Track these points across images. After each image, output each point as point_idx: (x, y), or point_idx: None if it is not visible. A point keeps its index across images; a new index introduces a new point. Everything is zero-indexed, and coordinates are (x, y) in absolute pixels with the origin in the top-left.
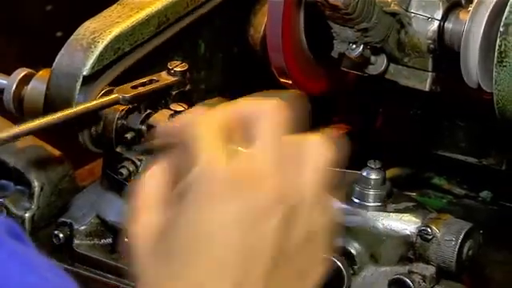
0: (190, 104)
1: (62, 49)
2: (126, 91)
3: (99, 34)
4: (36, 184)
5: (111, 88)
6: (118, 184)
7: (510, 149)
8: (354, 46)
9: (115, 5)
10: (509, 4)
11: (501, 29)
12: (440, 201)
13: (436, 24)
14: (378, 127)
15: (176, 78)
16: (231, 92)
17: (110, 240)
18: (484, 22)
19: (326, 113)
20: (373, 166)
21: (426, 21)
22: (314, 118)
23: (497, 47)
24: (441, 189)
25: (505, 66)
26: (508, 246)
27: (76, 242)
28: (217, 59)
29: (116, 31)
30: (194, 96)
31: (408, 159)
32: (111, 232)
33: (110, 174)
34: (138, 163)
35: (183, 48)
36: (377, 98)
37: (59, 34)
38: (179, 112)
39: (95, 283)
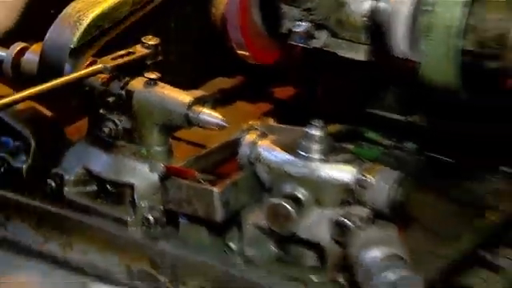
0: (162, 72)
1: (52, 26)
2: (108, 62)
3: (83, 13)
4: (32, 140)
5: (95, 59)
6: (102, 140)
7: (431, 108)
8: (300, 23)
9: None
10: None
11: (423, 7)
12: (373, 152)
13: (369, 4)
14: (322, 92)
15: (149, 51)
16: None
17: (94, 187)
18: (409, 2)
19: (277, 82)
20: (316, 124)
21: (360, 1)
22: (266, 88)
23: (421, 24)
24: (374, 141)
25: (429, 40)
26: (432, 190)
27: (66, 189)
28: (185, 34)
29: (98, 11)
30: (166, 66)
31: (346, 118)
32: (95, 181)
33: (95, 131)
34: (118, 123)
35: (155, 24)
36: (320, 68)
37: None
38: (153, 79)
39: (81, 225)
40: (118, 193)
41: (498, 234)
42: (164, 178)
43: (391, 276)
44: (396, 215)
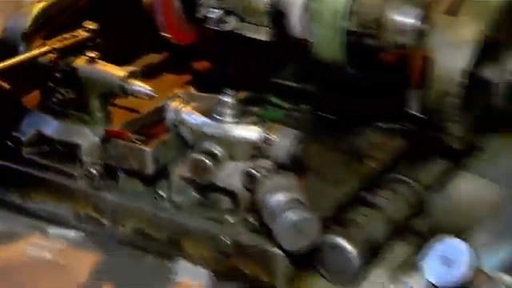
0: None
1: (11, 14)
2: (55, 44)
3: (35, 3)
4: None
5: (44, 42)
6: (52, 109)
7: (320, 77)
8: (214, 10)
9: None
10: None
11: None
12: (276, 114)
13: None
14: (233, 66)
15: (89, 34)
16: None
17: (47, 148)
18: None
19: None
20: (228, 93)
21: None
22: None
23: (312, 10)
24: (277, 105)
25: (319, 23)
26: (323, 144)
27: (23, 150)
28: (120, 19)
29: (46, 2)
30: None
31: (253, 86)
32: (48, 142)
33: (46, 101)
34: (65, 94)
35: (94, 10)
36: (231, 46)
37: None
38: (93, 58)
39: (37, 178)
40: (66, 152)
41: (376, 178)
42: (104, 139)
43: (292, 216)
44: (295, 166)
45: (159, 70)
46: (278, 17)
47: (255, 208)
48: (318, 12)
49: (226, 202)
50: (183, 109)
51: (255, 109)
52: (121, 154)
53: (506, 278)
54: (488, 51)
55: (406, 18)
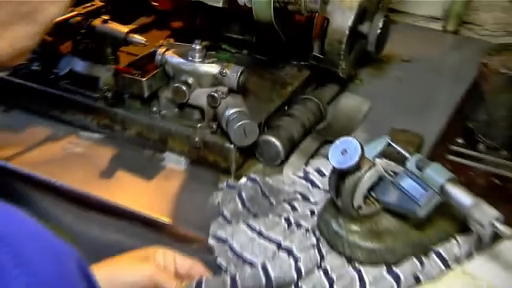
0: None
1: None
2: (80, 10)
3: None
4: None
5: (73, 8)
6: (80, 53)
7: (257, 30)
8: None
9: None
10: None
11: None
12: (227, 56)
13: None
14: (199, 24)
15: (103, 3)
16: (131, 10)
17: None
18: None
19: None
20: (196, 42)
21: None
22: (168, 22)
23: None
24: (227, 50)
25: None
26: (257, 75)
27: (61, 81)
28: None
29: None
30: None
31: (212, 38)
32: (77, 76)
33: (74, 49)
34: (88, 44)
35: None
36: (198, 10)
37: None
38: (106, 19)
39: (70, 100)
40: (89, 82)
41: (292, 97)
42: (115, 73)
43: (240, 123)
44: (241, 90)
45: (150, 28)
46: None
47: (216, 118)
48: None
49: (196, 115)
50: (167, 53)
51: (213, 53)
52: (126, 84)
53: (379, 161)
54: (362, 14)
55: None
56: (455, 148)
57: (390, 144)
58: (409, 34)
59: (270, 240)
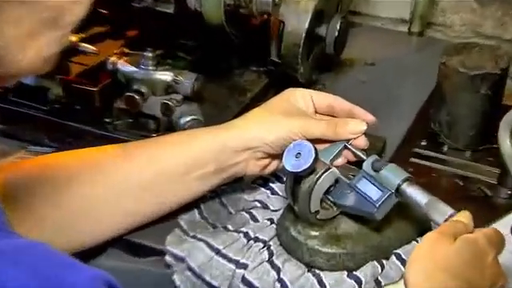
0: None
1: None
2: None
3: None
4: None
5: None
6: None
7: (211, 36)
8: None
9: None
10: None
11: None
12: (182, 63)
13: None
14: (148, 32)
15: None
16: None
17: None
18: None
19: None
20: (149, 50)
21: None
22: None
23: None
24: (182, 58)
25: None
26: (214, 82)
27: (9, 94)
28: None
29: None
30: None
31: (167, 45)
32: (27, 88)
33: None
34: None
35: None
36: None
37: None
38: None
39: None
40: (39, 94)
41: (251, 103)
42: (65, 84)
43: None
44: (196, 97)
45: (104, 37)
46: None
47: (171, 127)
48: None
49: (151, 124)
50: (119, 61)
51: (168, 60)
52: (77, 94)
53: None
54: (319, 17)
55: None
56: (419, 150)
57: (346, 147)
58: (373, 36)
59: (228, 259)
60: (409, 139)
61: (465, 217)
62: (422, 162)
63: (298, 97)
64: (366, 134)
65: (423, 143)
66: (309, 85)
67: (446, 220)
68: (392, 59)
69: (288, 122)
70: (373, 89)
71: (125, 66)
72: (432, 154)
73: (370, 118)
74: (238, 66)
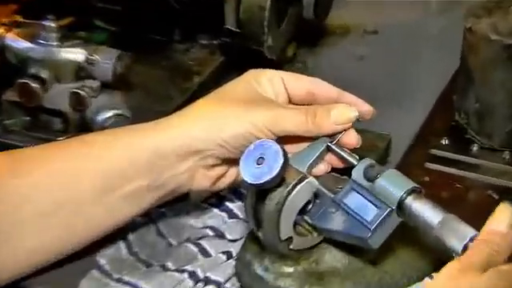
0: None
1: None
2: None
3: None
4: None
5: None
6: None
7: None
8: None
9: None
10: None
11: None
12: (100, 36)
13: None
14: None
15: None
16: None
17: None
18: None
19: None
20: (51, 18)
21: None
22: None
23: None
24: (101, 28)
25: None
26: (149, 63)
27: None
28: None
29: None
30: None
31: (78, 11)
32: None
33: None
34: None
35: None
36: None
37: None
38: None
39: None
40: None
41: (199, 91)
42: None
43: None
44: (121, 85)
45: None
46: None
47: (84, 126)
48: None
49: (57, 123)
50: (7, 35)
51: (81, 33)
52: None
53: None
54: None
55: None
56: (437, 152)
57: (329, 148)
58: None
59: None
60: (424, 137)
61: (505, 216)
62: (443, 169)
63: (264, 80)
64: (362, 130)
65: (444, 142)
66: (281, 63)
67: (465, 246)
68: (401, 26)
69: (248, 114)
70: (374, 67)
71: (17, 41)
72: (456, 156)
73: (367, 107)
74: (180, 38)
